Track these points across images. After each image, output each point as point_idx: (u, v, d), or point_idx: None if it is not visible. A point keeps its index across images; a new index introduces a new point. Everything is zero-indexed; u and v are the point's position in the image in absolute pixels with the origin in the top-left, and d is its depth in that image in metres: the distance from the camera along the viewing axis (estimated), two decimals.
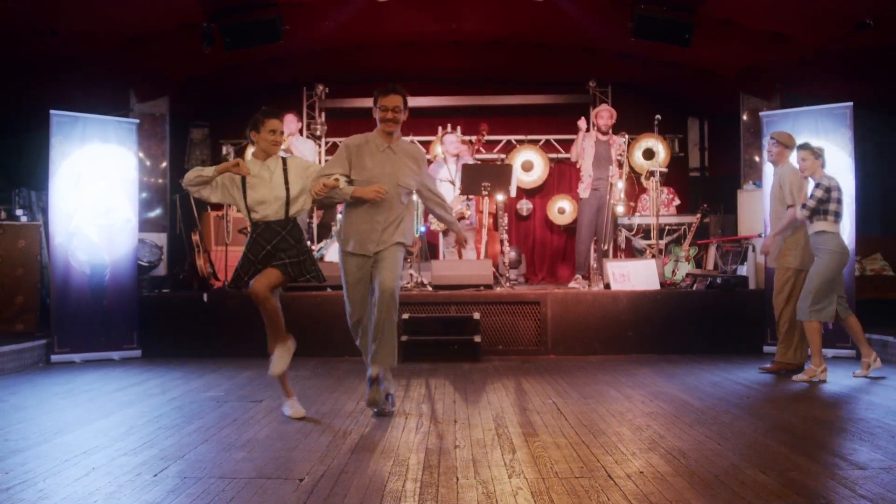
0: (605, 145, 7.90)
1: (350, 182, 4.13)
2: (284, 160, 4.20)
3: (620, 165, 7.93)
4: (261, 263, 4.11)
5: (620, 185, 7.95)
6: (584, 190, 7.98)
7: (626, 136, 8.03)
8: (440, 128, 10.05)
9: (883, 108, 8.90)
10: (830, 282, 5.28)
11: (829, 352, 6.52)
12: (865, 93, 8.04)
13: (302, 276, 4.18)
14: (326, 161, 4.38)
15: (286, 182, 4.12)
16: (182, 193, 8.38)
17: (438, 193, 4.56)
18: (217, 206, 9.06)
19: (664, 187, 9.30)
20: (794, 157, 5.69)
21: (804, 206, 5.33)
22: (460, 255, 7.87)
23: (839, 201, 5.28)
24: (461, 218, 7.94)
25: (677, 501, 2.76)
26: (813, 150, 5.44)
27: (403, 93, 4.22)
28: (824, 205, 5.26)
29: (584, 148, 7.87)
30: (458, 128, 9.95)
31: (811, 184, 5.41)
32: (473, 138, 8.38)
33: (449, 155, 8.09)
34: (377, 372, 4.19)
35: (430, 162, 9.73)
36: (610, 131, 7.96)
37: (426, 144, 10.06)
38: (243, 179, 4.09)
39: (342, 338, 6.72)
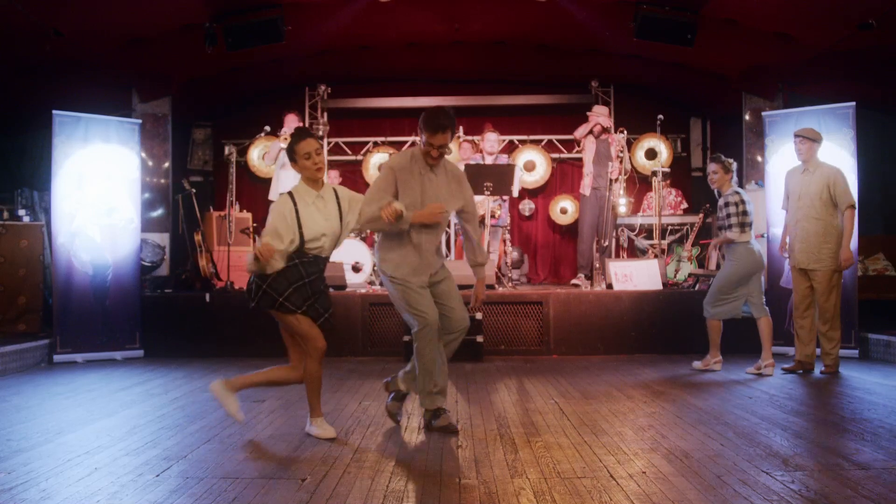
0: (604, 143, 7.94)
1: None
2: (335, 191, 3.90)
3: (621, 161, 7.93)
4: (297, 291, 3.72)
5: (620, 180, 7.96)
6: (585, 187, 8.01)
7: (625, 133, 8.04)
8: (460, 128, 10.05)
9: (886, 108, 8.88)
10: (731, 285, 5.74)
11: None
12: (868, 93, 8.03)
13: (325, 327, 3.90)
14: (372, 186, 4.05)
15: (340, 216, 3.83)
16: (184, 193, 8.39)
17: (476, 213, 4.28)
18: (219, 207, 9.08)
19: (672, 189, 9.30)
20: (820, 153, 5.80)
21: (720, 224, 5.82)
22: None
23: (745, 213, 5.67)
24: (491, 216, 7.94)
25: (680, 501, 2.76)
26: (723, 164, 5.79)
27: (454, 126, 3.91)
28: (730, 219, 5.68)
29: (587, 148, 7.94)
30: (461, 127, 9.95)
31: (724, 200, 5.78)
32: (477, 138, 8.38)
33: (486, 153, 8.11)
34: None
35: None
36: (610, 129, 7.99)
37: None
38: (296, 211, 3.72)
39: (344, 338, 6.76)
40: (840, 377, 5.54)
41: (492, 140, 8.11)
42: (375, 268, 7.94)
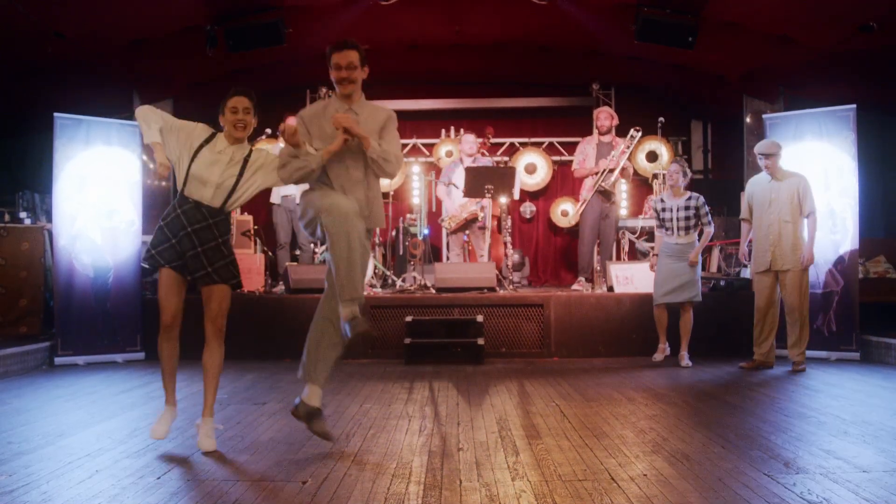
0: (607, 147, 7.91)
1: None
2: (251, 152, 3.82)
3: (625, 153, 7.83)
4: (179, 244, 3.73)
5: (624, 186, 7.92)
6: (586, 192, 7.99)
7: (640, 131, 7.91)
8: (443, 130, 10.06)
9: (886, 111, 8.88)
10: None
11: (834, 354, 6.52)
12: (869, 95, 8.02)
13: (229, 281, 3.91)
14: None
15: (240, 174, 3.74)
16: None
17: (389, 150, 3.78)
18: None
19: None
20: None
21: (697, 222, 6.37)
22: (472, 257, 7.85)
23: (663, 218, 6.42)
24: (473, 219, 7.93)
25: None
26: (685, 168, 6.44)
27: (359, 47, 3.76)
28: (709, 215, 6.32)
29: (587, 154, 7.92)
30: (462, 129, 9.93)
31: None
32: (479, 141, 8.38)
33: (465, 155, 8.10)
34: None
35: (433, 165, 9.74)
36: (613, 131, 7.97)
37: (430, 147, 10.07)
38: (199, 147, 3.72)
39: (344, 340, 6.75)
40: (842, 379, 5.54)
41: (469, 141, 8.11)
42: (376, 269, 7.93)
